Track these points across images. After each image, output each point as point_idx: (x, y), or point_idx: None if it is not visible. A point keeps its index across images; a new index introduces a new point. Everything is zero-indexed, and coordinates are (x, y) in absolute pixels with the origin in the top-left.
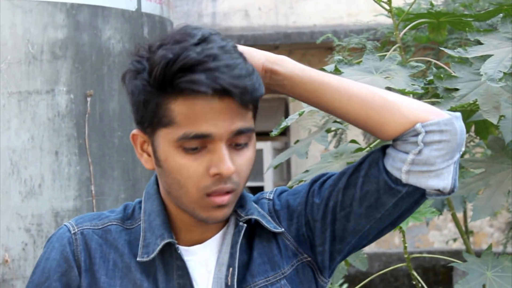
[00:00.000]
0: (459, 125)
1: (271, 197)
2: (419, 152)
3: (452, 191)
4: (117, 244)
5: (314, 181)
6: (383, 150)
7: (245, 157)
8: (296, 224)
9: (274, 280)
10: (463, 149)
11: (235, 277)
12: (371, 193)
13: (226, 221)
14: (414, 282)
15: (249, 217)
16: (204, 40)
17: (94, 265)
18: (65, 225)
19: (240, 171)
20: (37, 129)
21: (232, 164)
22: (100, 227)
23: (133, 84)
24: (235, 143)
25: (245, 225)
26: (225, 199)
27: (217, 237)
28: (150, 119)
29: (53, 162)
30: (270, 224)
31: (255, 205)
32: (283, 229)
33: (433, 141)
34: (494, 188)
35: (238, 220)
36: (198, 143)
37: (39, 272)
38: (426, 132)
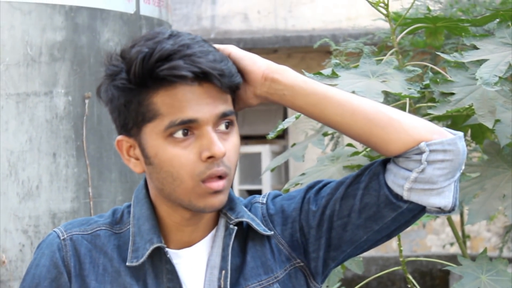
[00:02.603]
0: (462, 145)
1: (264, 201)
2: (422, 170)
3: (452, 209)
4: (106, 249)
5: (309, 188)
6: (383, 164)
7: (231, 142)
8: (290, 230)
9: (267, 284)
10: (463, 167)
11: (228, 279)
12: (371, 206)
13: (215, 224)
14: (409, 286)
15: (240, 219)
16: (174, 35)
17: (84, 270)
18: (54, 231)
19: (229, 156)
20: (35, 131)
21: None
22: (89, 232)
23: (111, 89)
24: (219, 130)
25: (236, 227)
26: (220, 184)
27: (206, 240)
28: (134, 118)
29: (50, 164)
30: (260, 227)
31: (245, 209)
32: (272, 232)
33: (436, 160)
34: (490, 192)
35: (228, 222)
36: (185, 130)
37: (30, 279)
38: (430, 151)
